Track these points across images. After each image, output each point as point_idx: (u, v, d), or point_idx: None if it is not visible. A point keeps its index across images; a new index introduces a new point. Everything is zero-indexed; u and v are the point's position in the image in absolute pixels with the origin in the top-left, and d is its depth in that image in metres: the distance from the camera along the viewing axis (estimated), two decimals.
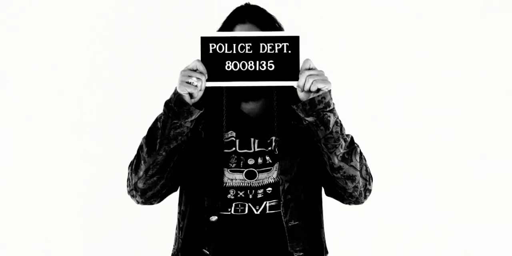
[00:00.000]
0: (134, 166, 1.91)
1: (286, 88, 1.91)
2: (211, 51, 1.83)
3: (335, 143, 1.87)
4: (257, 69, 1.83)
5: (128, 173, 1.95)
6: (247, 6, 2.05)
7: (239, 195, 1.91)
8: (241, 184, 1.92)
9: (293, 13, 3.21)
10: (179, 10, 3.25)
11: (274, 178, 1.93)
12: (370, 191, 2.00)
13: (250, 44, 1.84)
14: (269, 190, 1.92)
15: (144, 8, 3.26)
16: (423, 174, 3.35)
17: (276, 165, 1.93)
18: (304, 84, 1.82)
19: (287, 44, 1.84)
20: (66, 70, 3.23)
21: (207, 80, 1.82)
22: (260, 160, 1.94)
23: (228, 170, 1.93)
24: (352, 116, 2.88)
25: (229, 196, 1.91)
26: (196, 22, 3.13)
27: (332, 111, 1.85)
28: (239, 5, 2.05)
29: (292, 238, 1.90)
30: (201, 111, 1.85)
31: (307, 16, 3.30)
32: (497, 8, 3.35)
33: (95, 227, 3.12)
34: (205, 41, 1.83)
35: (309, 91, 1.83)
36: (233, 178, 1.92)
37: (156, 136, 1.86)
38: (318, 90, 1.82)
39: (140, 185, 1.91)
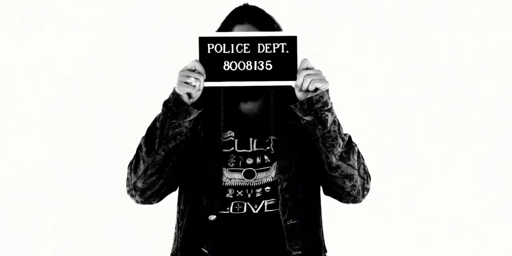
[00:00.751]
0: (134, 166, 1.92)
1: (284, 88, 1.91)
2: (209, 51, 1.84)
3: (333, 142, 1.87)
4: (255, 69, 1.84)
5: (128, 173, 1.96)
6: (246, 6, 2.06)
7: (237, 194, 1.92)
8: (239, 183, 1.93)
9: (292, 13, 3.22)
10: (178, 10, 3.26)
11: (272, 177, 1.94)
12: (368, 190, 2.01)
13: (248, 44, 1.85)
14: (267, 189, 1.93)
15: (143, 8, 3.26)
16: (422, 173, 3.35)
17: (275, 164, 1.94)
18: (302, 84, 1.83)
19: (285, 44, 1.85)
20: (66, 70, 3.24)
21: (205, 80, 1.83)
22: (258, 160, 1.95)
23: (227, 169, 1.93)
24: (351, 115, 2.90)
25: (227, 195, 1.92)
26: (195, 22, 3.13)
27: (330, 110, 1.86)
28: (238, 5, 2.06)
29: (290, 237, 1.90)
30: (199, 111, 1.86)
31: (306, 16, 3.31)
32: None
33: (94, 226, 3.11)
34: (203, 41, 1.85)
35: (307, 90, 1.84)
36: (232, 177, 1.93)
37: (155, 135, 1.87)
38: (316, 89, 1.83)
39: (139, 184, 1.92)
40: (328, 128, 1.87)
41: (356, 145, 1.96)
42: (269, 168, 1.94)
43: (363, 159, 1.99)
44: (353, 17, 3.34)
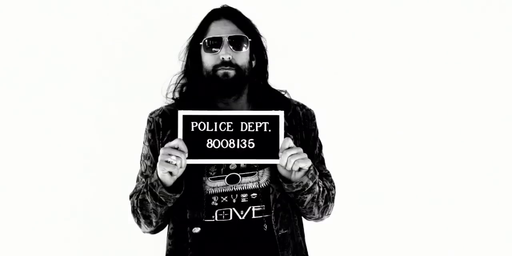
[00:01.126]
0: (140, 226, 2.06)
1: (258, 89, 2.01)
2: (192, 129, 1.86)
3: (308, 210, 2.03)
4: (238, 147, 1.87)
5: (135, 222, 2.08)
6: (223, 6, 2.08)
7: (222, 201, 1.98)
8: (223, 190, 1.98)
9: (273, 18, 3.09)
10: (178, 10, 3.06)
11: (260, 184, 1.99)
12: (329, 215, 2.11)
13: (231, 123, 1.86)
14: (253, 196, 1.99)
15: (142, 9, 3.11)
16: (402, 185, 3.25)
17: (261, 171, 1.99)
18: (286, 164, 1.88)
19: (268, 123, 1.87)
20: (67, 70, 3.12)
21: (188, 158, 1.87)
22: (243, 164, 1.99)
23: (209, 178, 1.98)
24: (350, 118, 2.85)
25: (212, 203, 1.98)
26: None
27: (310, 190, 1.95)
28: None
29: (283, 247, 1.99)
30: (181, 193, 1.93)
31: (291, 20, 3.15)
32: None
33: (93, 226, 3.14)
34: (187, 119, 1.85)
35: (291, 170, 1.90)
36: (215, 186, 1.98)
37: (148, 209, 1.98)
38: (300, 169, 1.90)
39: (153, 232, 2.10)
40: (305, 206, 2.00)
41: (333, 198, 2.07)
42: (255, 173, 2.00)
43: (332, 201, 2.08)
44: (336, 20, 3.20)
